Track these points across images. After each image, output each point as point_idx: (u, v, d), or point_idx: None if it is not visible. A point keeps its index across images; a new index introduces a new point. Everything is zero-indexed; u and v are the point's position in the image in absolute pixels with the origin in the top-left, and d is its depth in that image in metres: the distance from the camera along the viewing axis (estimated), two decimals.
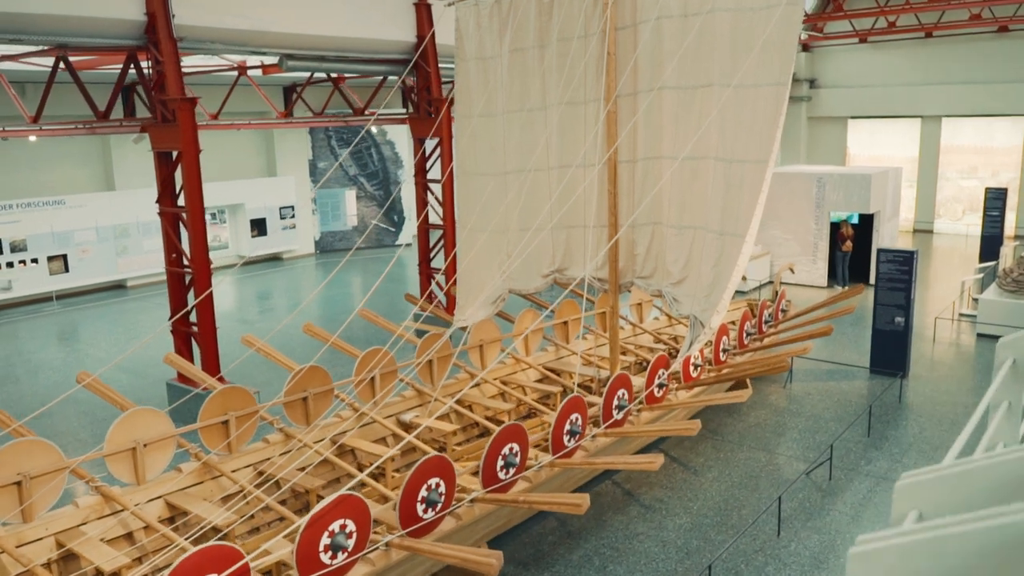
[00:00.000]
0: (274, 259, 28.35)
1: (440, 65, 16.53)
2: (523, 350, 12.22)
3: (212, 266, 12.42)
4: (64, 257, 22.80)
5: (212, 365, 12.95)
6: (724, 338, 11.61)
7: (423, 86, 16.48)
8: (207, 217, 26.82)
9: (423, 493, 6.78)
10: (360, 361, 9.92)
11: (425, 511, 6.82)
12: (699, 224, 10.55)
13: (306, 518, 5.92)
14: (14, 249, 21.82)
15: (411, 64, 15.09)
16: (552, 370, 12.24)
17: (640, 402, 9.82)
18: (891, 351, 14.44)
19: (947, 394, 13.69)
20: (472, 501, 7.26)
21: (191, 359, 13.31)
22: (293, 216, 28.26)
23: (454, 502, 7.35)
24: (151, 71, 12.41)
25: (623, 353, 13.34)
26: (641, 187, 11.18)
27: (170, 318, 13.22)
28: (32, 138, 19.97)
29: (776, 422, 12.65)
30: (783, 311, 14.37)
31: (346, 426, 9.45)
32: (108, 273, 23.76)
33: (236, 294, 24.28)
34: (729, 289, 9.65)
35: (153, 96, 12.40)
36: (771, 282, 20.08)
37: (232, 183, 26.55)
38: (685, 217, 10.75)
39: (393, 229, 30.59)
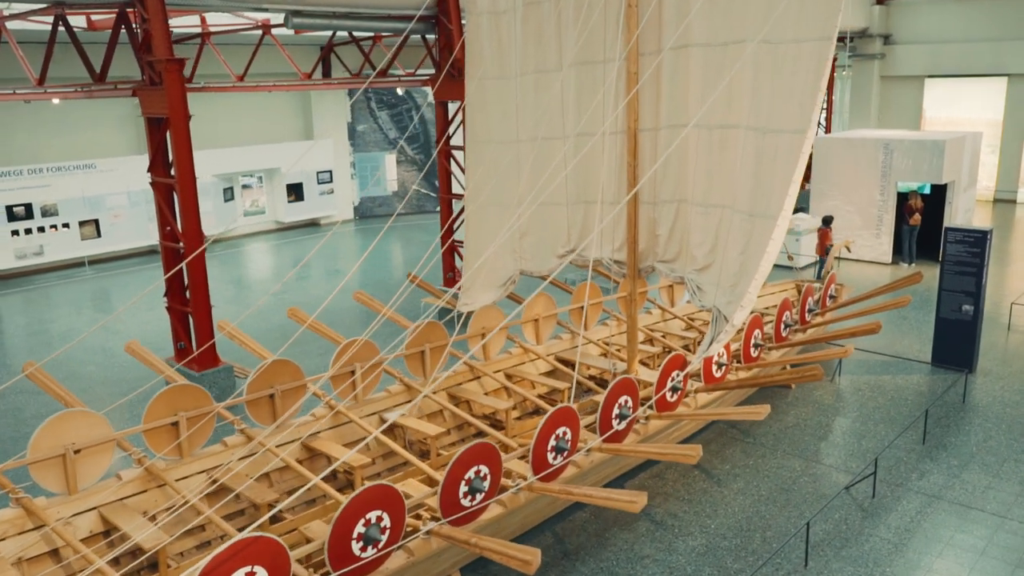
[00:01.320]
0: (311, 225, 27.70)
1: (464, 22, 15.26)
2: (533, 338, 11.10)
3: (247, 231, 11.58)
4: (96, 222, 22.50)
5: (208, 350, 12.22)
6: (757, 331, 10.24)
7: (444, 45, 15.26)
8: (254, 181, 26.51)
9: (360, 529, 5.80)
10: (339, 351, 8.96)
11: (363, 549, 5.84)
12: (727, 203, 9.20)
13: (201, 563, 4.99)
14: (45, 214, 21.57)
15: (414, 19, 13.84)
16: (565, 361, 11.10)
17: (650, 407, 8.64)
18: (957, 343, 12.82)
19: (1020, 394, 12.06)
20: (428, 534, 6.25)
21: (188, 339, 12.60)
22: (331, 181, 27.48)
23: (411, 533, 6.36)
24: (139, 30, 11.52)
25: (648, 342, 12.10)
26: (665, 157, 9.84)
27: (164, 295, 12.50)
28: (55, 100, 19.47)
29: (818, 423, 11.28)
30: (832, 297, 12.84)
31: (316, 427, 8.53)
32: (140, 238, 23.39)
33: (271, 261, 23.72)
34: (756, 280, 8.31)
35: (141, 58, 11.53)
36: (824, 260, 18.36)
37: (267, 147, 25.85)
38: (712, 195, 9.40)
39: (435, 195, 29.52)
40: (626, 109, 9.72)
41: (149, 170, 12.09)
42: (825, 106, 26.71)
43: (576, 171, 10.77)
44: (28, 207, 21.21)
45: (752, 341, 10.18)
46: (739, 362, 10.31)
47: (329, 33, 20.16)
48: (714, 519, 9.00)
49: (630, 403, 8.07)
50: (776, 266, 18.33)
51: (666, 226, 9.97)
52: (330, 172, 27.36)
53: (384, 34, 18.63)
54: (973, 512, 9.00)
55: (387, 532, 5.98)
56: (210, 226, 24.64)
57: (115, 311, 18.37)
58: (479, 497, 6.55)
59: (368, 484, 5.94)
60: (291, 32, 20.31)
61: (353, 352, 8.77)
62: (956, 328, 12.81)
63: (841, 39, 27.11)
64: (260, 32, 19.29)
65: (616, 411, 7.92)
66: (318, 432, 8.60)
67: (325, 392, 8.88)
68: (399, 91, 25.89)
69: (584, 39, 10.20)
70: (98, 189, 22.36)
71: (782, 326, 10.95)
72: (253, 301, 18.98)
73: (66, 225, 21.94)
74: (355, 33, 19.47)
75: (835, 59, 26.17)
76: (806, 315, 11.75)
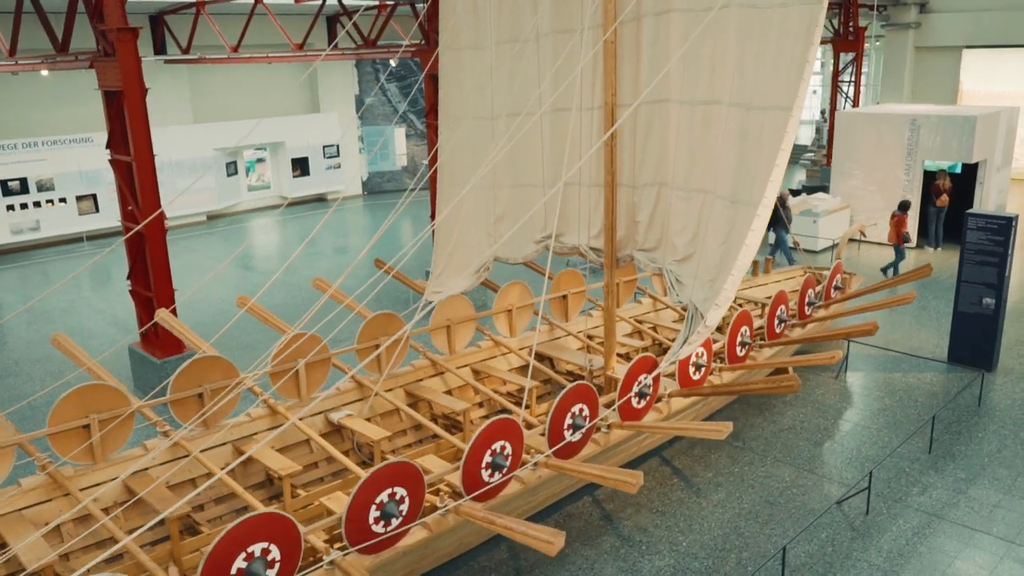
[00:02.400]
0: (319, 200, 27.08)
1: None
2: (506, 330, 10.32)
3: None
4: (94, 196, 22.07)
5: (171, 336, 11.63)
6: (745, 327, 9.32)
7: (433, 12, 14.36)
8: (266, 155, 25.86)
9: (240, 564, 5.11)
10: (281, 343, 8.27)
11: None
12: (709, 187, 8.30)
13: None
14: (41, 188, 21.19)
15: None
16: (540, 355, 10.31)
17: (612, 411, 7.81)
18: (975, 340, 11.77)
19: None
20: (331, 564, 5.54)
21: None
22: (337, 155, 26.79)
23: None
24: None
25: (637, 335, 11.27)
26: (644, 137, 8.95)
27: (128, 277, 11.92)
28: (44, 72, 18.98)
29: (816, 426, 10.37)
30: (837, 288, 11.82)
31: (251, 429, 7.88)
32: None
33: (274, 238, 23.15)
34: (733, 276, 7.43)
35: (96, 27, 10.83)
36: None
37: (272, 120, 25.18)
38: (694, 177, 8.49)
39: None
40: (604, 82, 8.82)
41: (108, 146, 11.46)
42: (853, 79, 25.29)
43: (552, 150, 9.93)
44: (23, 181, 20.83)
45: (739, 339, 9.27)
46: (723, 362, 9.41)
47: (330, 2, 19.40)
48: (687, 535, 8.20)
49: (586, 412, 7.25)
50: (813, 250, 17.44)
51: (646, 212, 9.09)
52: (336, 146, 26.66)
53: (387, 3, 17.83)
54: (977, 535, 8.08)
55: (276, 566, 5.29)
56: (211, 201, 24.30)
57: (101, 288, 17.94)
58: (394, 523, 5.83)
59: (254, 513, 5.24)
60: (291, 1, 19.56)
61: (285, 345, 8.07)
62: (975, 323, 11.76)
63: (872, 7, 25.62)
64: (253, 1, 18.53)
65: (569, 420, 7.12)
66: (253, 434, 7.95)
67: (264, 390, 8.22)
68: (392, 62, 24.96)
69: (561, 5, 9.30)
70: (95, 163, 21.86)
71: (776, 321, 10.00)
72: (254, 279, 18.43)
73: (63, 200, 21.54)
74: (354, 2, 18.70)
75: (864, 29, 24.70)
76: (805, 309, 10.77)
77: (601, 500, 8.87)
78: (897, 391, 11.29)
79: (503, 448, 6.51)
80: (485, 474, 6.44)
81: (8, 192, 20.62)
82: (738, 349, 9.27)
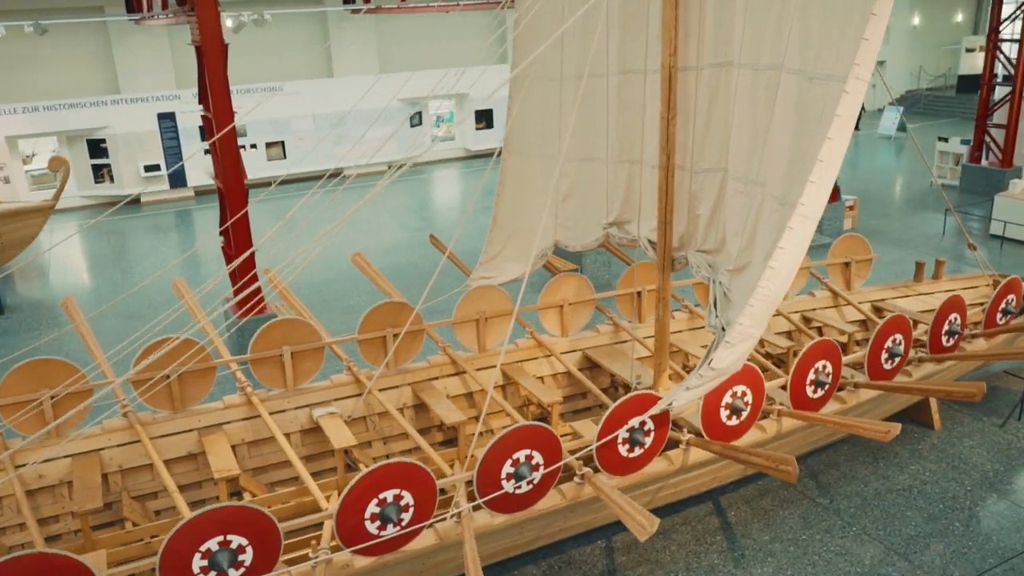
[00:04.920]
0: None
1: None
2: (556, 328, 8.91)
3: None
4: (282, 144, 23.10)
5: (251, 296, 11.52)
6: (824, 362, 7.09)
7: None
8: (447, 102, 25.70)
9: (508, 469, 5.54)
10: (263, 330, 7.62)
11: None
12: (765, 180, 6.32)
13: None
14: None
15: None
16: (595, 363, 8.81)
17: (583, 461, 6.24)
18: None
19: None
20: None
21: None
22: None
23: None
24: None
25: None
26: (707, 108, 7.05)
27: (220, 233, 11.96)
28: (228, 23, 19.83)
29: (941, 492, 7.96)
30: (1008, 312, 8.86)
31: (222, 418, 7.34)
32: (325, 161, 23.69)
33: (450, 192, 23.00)
34: (753, 308, 5.53)
35: None
36: None
37: (457, 71, 24.81)
38: (754, 165, 6.52)
39: None
40: (662, 40, 7.02)
41: (200, 102, 11.43)
42: None
43: (617, 120, 8.27)
44: None
45: (812, 376, 7.09)
46: (783, 406, 7.26)
47: None
48: None
49: (537, 460, 5.77)
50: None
51: (708, 203, 7.23)
52: None
53: None
54: None
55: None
56: (392, 152, 24.56)
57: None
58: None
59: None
60: None
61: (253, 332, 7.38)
62: None
63: None
64: None
65: (509, 469, 5.70)
66: (224, 423, 7.40)
67: (247, 379, 7.63)
68: None
69: None
70: (284, 112, 22.81)
71: (884, 355, 7.58)
72: (408, 236, 18.30)
73: (254, 146, 22.75)
74: None
75: None
76: (942, 339, 8.11)
77: (616, 548, 7.37)
78: None
79: (399, 498, 5.32)
80: (370, 526, 5.31)
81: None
82: (810, 390, 7.11)
